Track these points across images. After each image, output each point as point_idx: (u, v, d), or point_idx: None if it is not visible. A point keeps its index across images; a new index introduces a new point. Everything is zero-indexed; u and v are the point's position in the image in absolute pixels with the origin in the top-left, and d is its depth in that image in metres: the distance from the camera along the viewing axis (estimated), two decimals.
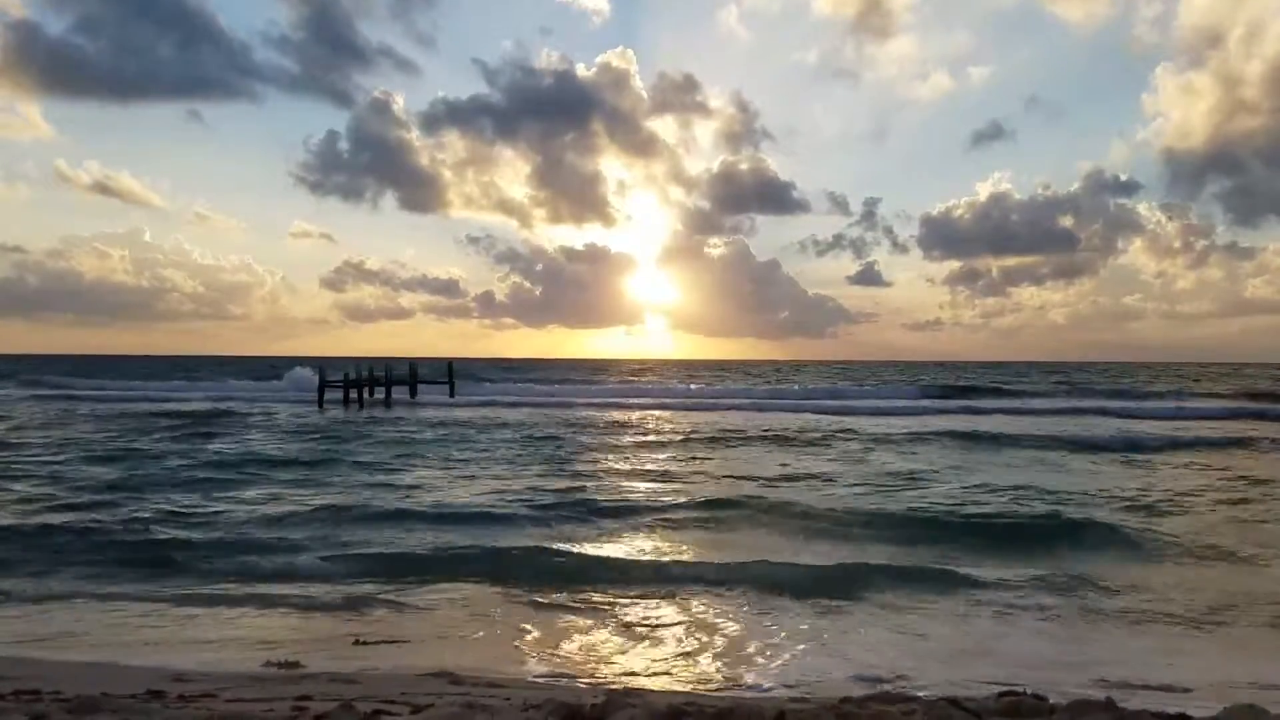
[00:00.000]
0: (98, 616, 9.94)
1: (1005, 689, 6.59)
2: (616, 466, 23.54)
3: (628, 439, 32.09)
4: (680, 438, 32.33)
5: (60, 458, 23.05)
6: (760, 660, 8.67)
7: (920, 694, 6.63)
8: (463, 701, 6.10)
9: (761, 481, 20.44)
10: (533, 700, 6.11)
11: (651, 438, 32.71)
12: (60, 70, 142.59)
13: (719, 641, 9.23)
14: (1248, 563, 12.66)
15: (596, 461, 24.71)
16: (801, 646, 9.07)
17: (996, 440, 30.68)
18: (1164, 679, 7.96)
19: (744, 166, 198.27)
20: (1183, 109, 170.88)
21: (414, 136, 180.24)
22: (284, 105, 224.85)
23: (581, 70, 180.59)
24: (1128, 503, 17.37)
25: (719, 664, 8.51)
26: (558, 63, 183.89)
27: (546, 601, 10.57)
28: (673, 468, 23.51)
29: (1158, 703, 6.60)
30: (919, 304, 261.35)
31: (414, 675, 7.88)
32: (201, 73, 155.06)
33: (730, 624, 9.79)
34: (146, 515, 14.93)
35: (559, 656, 8.80)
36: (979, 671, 8.17)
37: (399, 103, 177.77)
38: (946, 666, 8.36)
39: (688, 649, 8.99)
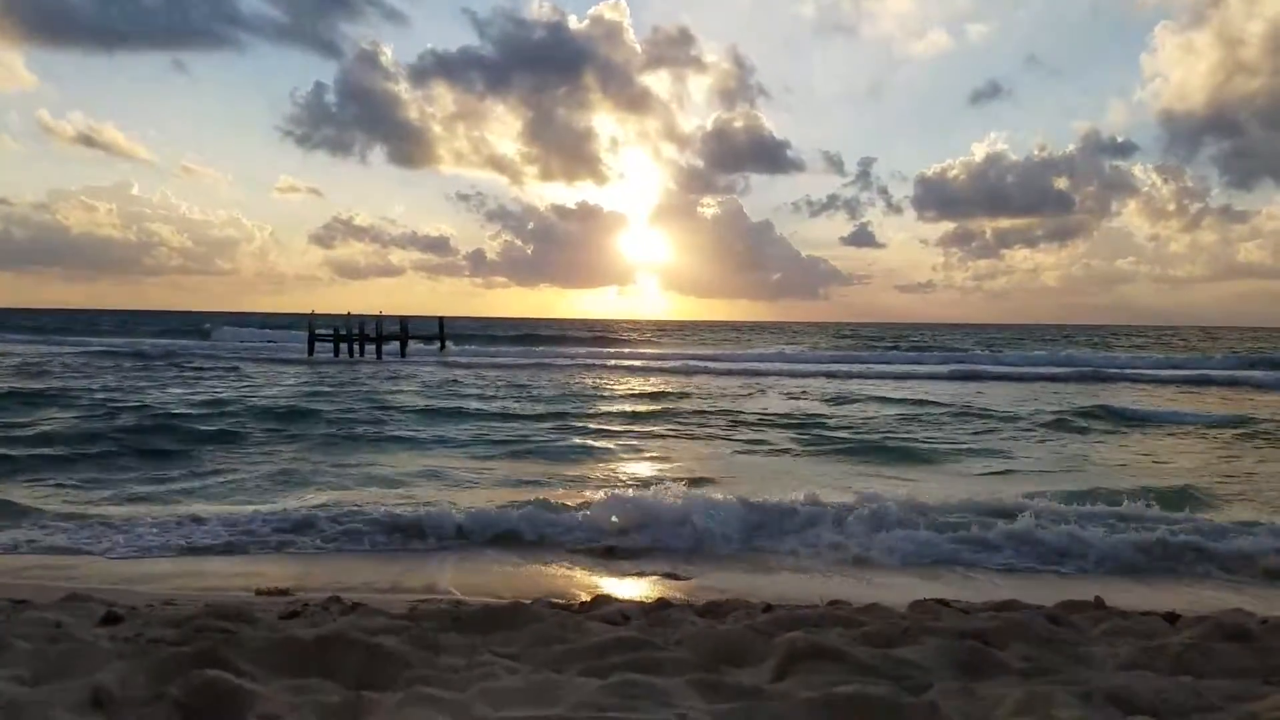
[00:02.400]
0: None
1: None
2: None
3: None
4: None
5: None
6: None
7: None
8: (451, 602, 6.12)
9: None
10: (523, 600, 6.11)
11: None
12: (43, 18, 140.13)
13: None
14: None
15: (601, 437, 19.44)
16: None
17: None
18: None
19: (738, 124, 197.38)
20: (1182, 69, 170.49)
21: (402, 89, 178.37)
22: (270, 55, 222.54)
23: (574, 22, 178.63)
24: None
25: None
26: (549, 14, 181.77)
27: None
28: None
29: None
30: (912, 265, 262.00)
31: (409, 600, 7.89)
32: (186, 21, 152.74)
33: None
34: None
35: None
36: None
37: (387, 54, 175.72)
38: None
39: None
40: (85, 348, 53.34)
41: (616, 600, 5.91)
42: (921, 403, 27.50)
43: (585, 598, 6.68)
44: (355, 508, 10.95)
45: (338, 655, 3.98)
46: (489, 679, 3.68)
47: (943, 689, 3.69)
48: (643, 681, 3.55)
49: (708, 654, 4.27)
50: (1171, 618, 6.03)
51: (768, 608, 5.51)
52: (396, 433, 18.86)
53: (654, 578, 8.70)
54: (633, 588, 8.35)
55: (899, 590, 7.89)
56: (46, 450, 15.47)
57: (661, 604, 5.53)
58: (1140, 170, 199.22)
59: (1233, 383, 38.72)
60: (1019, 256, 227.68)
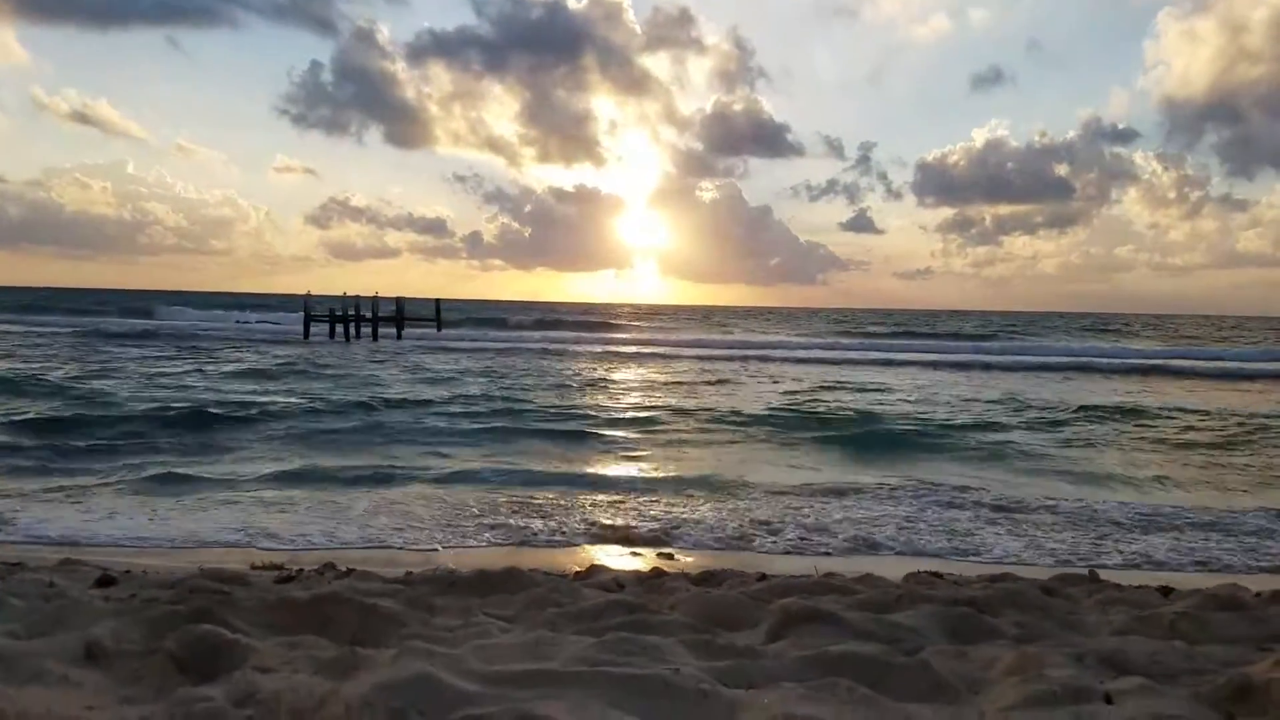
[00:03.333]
0: None
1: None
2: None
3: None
4: None
5: None
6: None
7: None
8: (446, 569, 6.11)
9: None
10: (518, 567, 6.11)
11: None
12: None
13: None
14: None
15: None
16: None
17: None
18: None
19: (738, 107, 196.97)
20: (1184, 56, 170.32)
21: (399, 69, 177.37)
22: (266, 33, 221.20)
23: (573, 2, 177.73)
24: None
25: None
26: None
27: None
28: None
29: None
30: (910, 252, 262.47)
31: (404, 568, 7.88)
32: None
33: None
34: None
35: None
36: None
37: (384, 33, 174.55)
38: None
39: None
40: (74, 328, 53.23)
41: (611, 570, 5.93)
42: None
43: (580, 568, 6.68)
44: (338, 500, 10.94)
45: (332, 614, 3.98)
46: (483, 637, 3.68)
47: (935, 650, 3.69)
48: (637, 640, 3.55)
49: (702, 617, 4.28)
50: (1165, 590, 6.05)
51: (762, 577, 5.52)
52: (392, 419, 18.64)
53: (649, 555, 8.71)
54: (628, 561, 8.38)
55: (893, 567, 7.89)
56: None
57: (656, 573, 5.54)
58: (1141, 158, 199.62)
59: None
60: (1018, 244, 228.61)
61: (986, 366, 40.15)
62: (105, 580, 5.05)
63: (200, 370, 27.64)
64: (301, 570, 5.62)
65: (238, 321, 64.73)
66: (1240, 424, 19.96)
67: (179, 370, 27.45)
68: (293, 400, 20.60)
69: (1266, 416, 21.40)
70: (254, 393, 21.88)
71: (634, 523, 9.99)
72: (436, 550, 8.92)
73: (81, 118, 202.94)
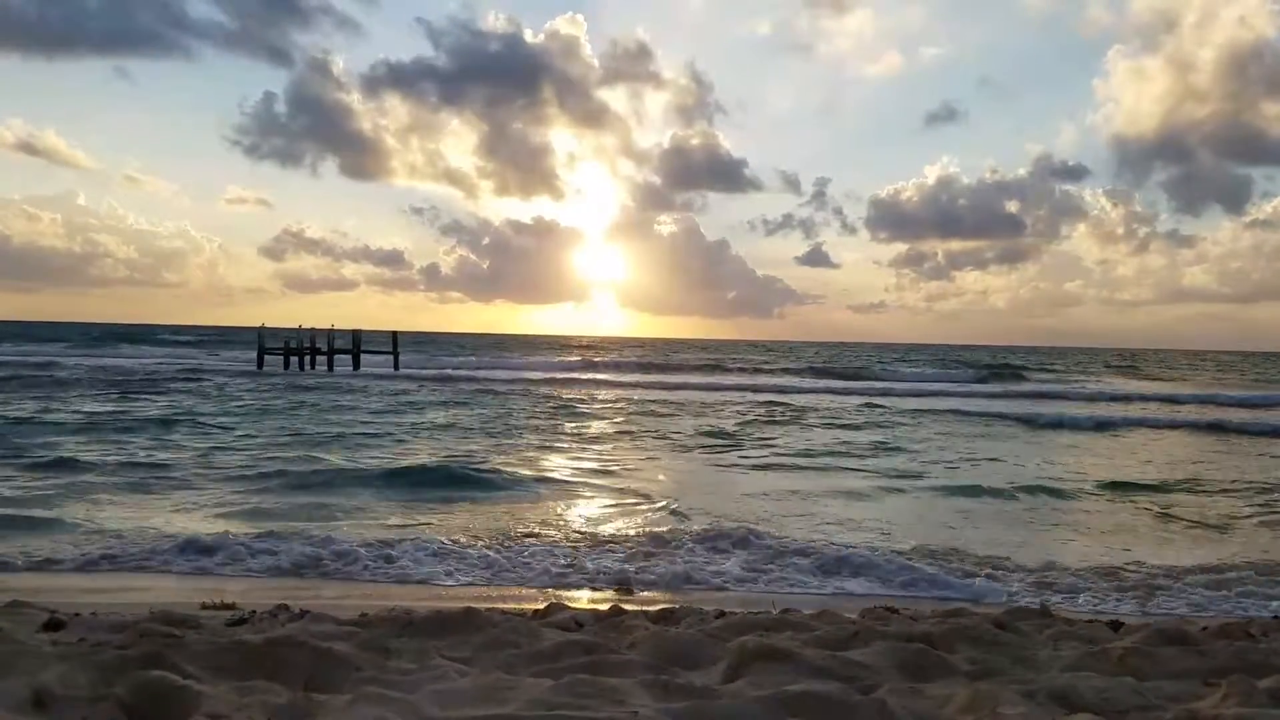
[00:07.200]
0: None
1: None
2: None
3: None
4: None
5: None
6: None
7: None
8: (403, 609, 6.05)
9: None
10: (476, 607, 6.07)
11: None
12: None
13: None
14: None
15: None
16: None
17: None
18: None
19: (695, 141, 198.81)
20: (1133, 94, 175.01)
21: (355, 99, 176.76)
22: (218, 63, 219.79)
23: (530, 35, 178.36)
24: None
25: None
26: (505, 25, 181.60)
27: None
28: None
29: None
30: (865, 286, 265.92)
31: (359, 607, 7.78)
32: (131, 27, 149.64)
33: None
34: None
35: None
36: None
37: (339, 64, 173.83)
38: None
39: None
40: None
41: (570, 608, 5.92)
42: None
43: (539, 606, 6.64)
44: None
45: (286, 658, 3.93)
46: (440, 681, 3.66)
47: (892, 688, 3.73)
48: (594, 682, 3.55)
49: (660, 656, 4.29)
50: (1115, 625, 6.16)
51: (720, 614, 5.54)
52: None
53: (607, 591, 8.68)
54: (586, 598, 8.35)
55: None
56: None
57: (615, 611, 5.54)
58: (1090, 194, 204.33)
59: None
60: (970, 278, 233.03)
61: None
62: (54, 624, 4.94)
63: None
64: (254, 612, 5.55)
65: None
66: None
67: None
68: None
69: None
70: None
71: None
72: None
73: (28, 148, 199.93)
